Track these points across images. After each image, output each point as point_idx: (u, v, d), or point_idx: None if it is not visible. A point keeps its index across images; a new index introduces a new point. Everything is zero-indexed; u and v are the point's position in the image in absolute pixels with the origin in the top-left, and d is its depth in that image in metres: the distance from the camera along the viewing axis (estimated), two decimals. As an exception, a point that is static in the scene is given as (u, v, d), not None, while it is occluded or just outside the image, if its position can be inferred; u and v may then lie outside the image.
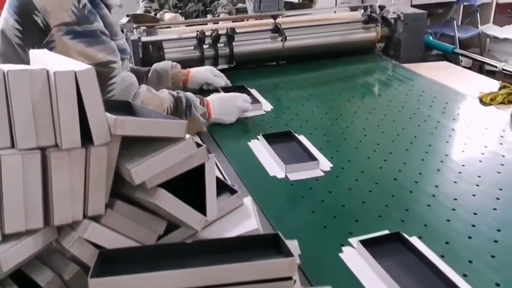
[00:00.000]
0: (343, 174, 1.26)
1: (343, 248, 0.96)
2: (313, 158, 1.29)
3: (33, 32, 1.22)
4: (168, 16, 3.04)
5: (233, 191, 0.92)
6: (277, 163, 1.28)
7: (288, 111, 1.70)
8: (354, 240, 0.97)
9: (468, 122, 1.56)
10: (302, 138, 1.41)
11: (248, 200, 0.92)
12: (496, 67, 2.04)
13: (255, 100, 1.70)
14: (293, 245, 0.76)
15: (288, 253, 0.69)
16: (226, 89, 1.78)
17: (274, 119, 1.62)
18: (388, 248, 0.94)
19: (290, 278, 0.66)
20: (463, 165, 1.28)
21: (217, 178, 0.81)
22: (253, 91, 1.80)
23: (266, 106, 1.70)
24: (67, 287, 0.73)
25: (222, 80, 1.82)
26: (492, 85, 1.80)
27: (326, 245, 0.98)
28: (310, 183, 1.21)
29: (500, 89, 1.73)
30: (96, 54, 1.26)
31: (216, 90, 1.79)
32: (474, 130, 1.50)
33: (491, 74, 2.47)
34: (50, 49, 1.18)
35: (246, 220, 0.86)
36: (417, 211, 1.10)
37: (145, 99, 1.36)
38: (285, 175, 1.24)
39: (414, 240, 0.97)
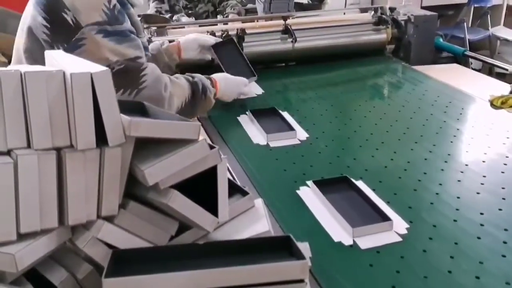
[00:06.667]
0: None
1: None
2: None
3: (62, 29, 1.24)
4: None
5: (244, 193, 0.92)
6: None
7: (297, 113, 1.70)
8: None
9: (482, 126, 1.55)
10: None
11: (259, 202, 0.92)
12: (506, 69, 2.02)
13: (289, 128, 1.52)
14: (304, 247, 0.77)
15: (300, 256, 0.69)
16: (215, 45, 1.83)
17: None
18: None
19: (302, 281, 0.66)
20: (466, 164, 1.30)
21: (229, 180, 0.82)
22: (285, 114, 1.62)
23: (301, 134, 1.51)
24: (80, 286, 0.74)
25: (211, 38, 1.88)
26: (502, 88, 1.79)
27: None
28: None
29: (511, 92, 1.72)
30: (126, 50, 1.30)
31: (212, 63, 1.86)
32: (484, 132, 1.49)
33: (501, 76, 2.46)
34: (80, 46, 1.22)
35: (257, 222, 0.86)
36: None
37: (172, 90, 1.43)
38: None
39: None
